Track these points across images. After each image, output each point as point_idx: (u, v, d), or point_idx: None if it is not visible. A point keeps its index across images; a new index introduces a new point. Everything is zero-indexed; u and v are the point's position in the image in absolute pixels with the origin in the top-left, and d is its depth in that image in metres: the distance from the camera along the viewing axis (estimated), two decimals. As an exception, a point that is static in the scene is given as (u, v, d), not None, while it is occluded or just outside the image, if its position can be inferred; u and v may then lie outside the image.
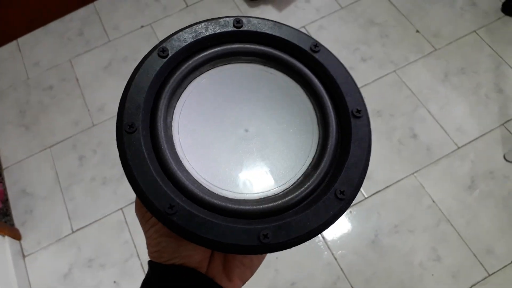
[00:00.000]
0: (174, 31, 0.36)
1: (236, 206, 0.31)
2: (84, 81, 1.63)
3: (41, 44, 1.74)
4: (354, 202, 1.33)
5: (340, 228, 1.31)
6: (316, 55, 0.36)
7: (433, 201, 1.33)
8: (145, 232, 0.35)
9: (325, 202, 0.31)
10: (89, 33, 1.74)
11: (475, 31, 1.63)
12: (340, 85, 0.35)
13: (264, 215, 0.31)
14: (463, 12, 1.68)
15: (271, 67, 0.37)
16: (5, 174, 1.48)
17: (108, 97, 1.58)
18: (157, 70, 0.33)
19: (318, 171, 0.33)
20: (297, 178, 0.33)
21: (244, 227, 0.29)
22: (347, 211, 1.33)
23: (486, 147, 1.41)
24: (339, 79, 0.35)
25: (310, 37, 0.37)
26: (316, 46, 0.37)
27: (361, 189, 1.32)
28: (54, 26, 1.77)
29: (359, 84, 1.56)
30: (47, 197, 1.42)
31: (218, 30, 0.35)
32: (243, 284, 0.36)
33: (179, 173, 0.31)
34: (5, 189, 1.46)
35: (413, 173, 1.38)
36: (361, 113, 0.34)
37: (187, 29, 0.35)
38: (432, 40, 1.62)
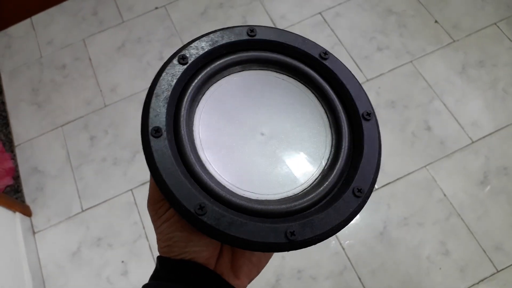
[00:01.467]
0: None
1: (262, 206, 0.32)
2: (97, 61, 1.63)
3: (55, 22, 1.73)
4: (364, 192, 1.32)
5: (348, 218, 1.30)
6: (326, 62, 0.38)
7: (444, 195, 1.32)
8: (157, 228, 0.35)
9: (345, 199, 0.32)
10: (103, 13, 1.73)
11: (495, 24, 1.59)
12: (350, 90, 0.37)
13: (288, 214, 0.33)
14: (484, 4, 1.64)
15: (284, 73, 0.39)
16: (17, 151, 1.50)
17: (121, 78, 1.57)
18: (178, 76, 0.35)
19: (335, 171, 0.34)
20: (314, 178, 0.35)
21: (271, 226, 0.31)
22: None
23: (501, 142, 1.39)
24: (348, 84, 0.37)
25: (319, 45, 0.39)
26: (326, 53, 0.38)
27: (372, 180, 1.31)
28: (69, 5, 1.77)
29: (374, 74, 1.54)
30: (58, 175, 1.44)
31: (233, 38, 0.37)
32: (250, 282, 0.37)
33: (204, 176, 0.32)
34: (16, 166, 1.47)
35: (425, 166, 1.36)
36: (371, 116, 0.36)
37: (204, 38, 0.37)
38: (451, 31, 1.59)
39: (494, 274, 1.22)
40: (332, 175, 0.34)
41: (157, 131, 0.32)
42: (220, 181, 0.33)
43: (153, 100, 0.33)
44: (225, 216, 0.30)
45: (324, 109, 0.38)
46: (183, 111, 0.34)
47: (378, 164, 0.35)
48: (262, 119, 0.37)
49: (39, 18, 1.75)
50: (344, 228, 0.33)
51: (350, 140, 0.36)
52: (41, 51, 1.67)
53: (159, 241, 0.35)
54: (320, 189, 0.34)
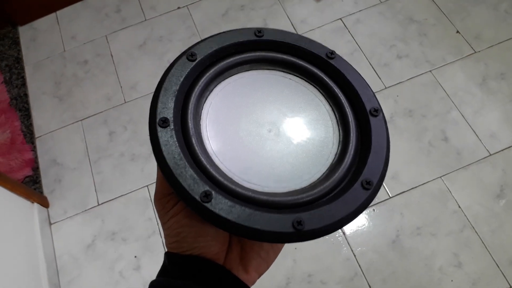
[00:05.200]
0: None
1: (268, 197, 0.32)
2: (118, 58, 1.66)
3: (79, 18, 1.77)
4: (377, 200, 1.32)
5: (361, 226, 1.31)
6: (332, 61, 0.38)
7: (459, 207, 1.31)
8: (165, 223, 0.35)
9: (353, 192, 0.32)
10: (126, 11, 1.76)
11: (518, 36, 1.58)
12: (357, 88, 0.37)
13: (295, 206, 0.32)
14: (507, 16, 1.62)
15: (291, 73, 0.40)
16: (38, 143, 1.53)
17: (141, 76, 1.60)
18: (187, 71, 0.35)
19: (343, 165, 0.34)
20: (322, 173, 0.35)
21: (278, 216, 0.30)
22: (370, 209, 1.33)
23: (519, 156, 1.37)
24: (355, 82, 0.38)
25: (325, 46, 0.39)
26: (332, 53, 0.39)
27: (386, 188, 1.31)
28: (93, 1, 1.80)
29: (392, 82, 1.54)
30: (76, 168, 1.46)
31: (241, 39, 0.38)
32: (259, 277, 0.37)
33: (209, 167, 0.32)
34: (36, 157, 1.50)
35: (440, 177, 1.36)
36: (378, 112, 0.36)
37: (212, 38, 0.38)
38: (472, 42, 1.58)
39: (506, 289, 1.21)
40: (340, 169, 0.34)
41: (164, 121, 0.32)
42: (226, 173, 0.33)
43: (162, 93, 0.34)
44: (230, 205, 0.30)
45: (331, 106, 0.38)
46: (191, 105, 0.35)
47: (387, 158, 0.35)
48: (269, 116, 0.37)
49: (64, 13, 1.79)
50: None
51: (358, 135, 0.36)
52: (65, 45, 1.71)
53: (167, 236, 0.35)
54: (327, 183, 0.33)
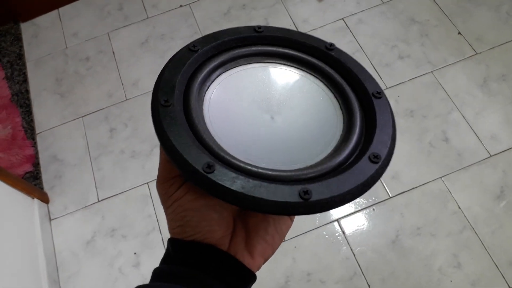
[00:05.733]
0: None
1: (273, 172, 0.31)
2: (120, 55, 1.66)
3: (81, 15, 1.77)
4: (377, 200, 1.32)
5: (361, 225, 1.31)
6: (332, 53, 0.40)
7: (459, 207, 1.31)
8: (168, 208, 0.35)
9: (361, 165, 0.32)
10: (128, 9, 1.76)
11: (520, 38, 1.58)
12: (358, 74, 0.38)
13: (302, 180, 0.31)
14: (509, 17, 1.63)
15: (292, 65, 0.40)
16: (38, 139, 1.53)
17: (142, 73, 1.60)
18: (189, 59, 0.36)
19: (350, 142, 0.34)
20: (328, 152, 0.35)
21: (284, 186, 0.29)
22: (370, 209, 1.33)
23: (519, 158, 1.37)
24: (356, 69, 0.39)
25: (324, 40, 0.40)
26: (331, 45, 0.40)
27: (386, 188, 1.31)
28: (95, -2, 1.80)
29: (394, 82, 1.54)
30: (76, 165, 1.46)
31: (241, 34, 0.39)
32: (265, 261, 0.36)
33: (211, 143, 0.32)
34: (37, 153, 1.50)
35: (441, 177, 1.36)
36: (381, 94, 0.37)
37: (213, 33, 0.39)
38: (474, 43, 1.58)
39: (505, 290, 1.21)
40: (347, 147, 0.34)
41: (166, 101, 0.33)
42: (229, 152, 0.33)
43: (164, 78, 0.35)
44: (234, 176, 0.29)
45: (334, 94, 0.39)
46: (194, 88, 0.35)
47: (394, 135, 0.35)
48: (272, 104, 0.37)
49: (66, 10, 1.79)
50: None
51: (362, 116, 0.37)
52: (67, 42, 1.71)
53: (170, 221, 0.34)
54: (334, 159, 0.33)
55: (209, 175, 0.29)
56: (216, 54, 0.39)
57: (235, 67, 0.39)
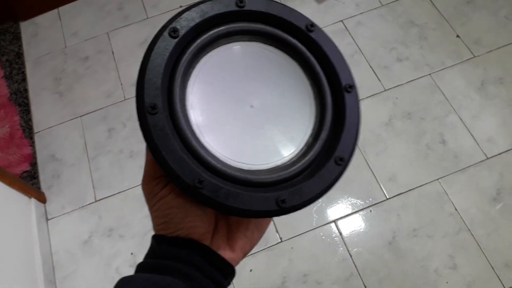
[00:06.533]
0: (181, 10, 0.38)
1: (254, 177, 0.34)
2: (119, 55, 1.66)
3: (81, 14, 1.77)
4: (374, 201, 1.33)
5: (358, 226, 1.31)
6: (312, 34, 0.39)
7: (456, 209, 1.32)
8: (152, 206, 0.36)
9: (328, 168, 0.35)
10: (128, 9, 1.76)
11: (517, 42, 1.59)
12: (334, 63, 0.38)
13: (277, 183, 0.35)
14: (507, 21, 1.63)
15: (272, 45, 0.40)
16: (36, 139, 1.53)
17: (141, 73, 1.60)
18: (170, 50, 0.35)
19: (319, 141, 0.37)
20: (300, 148, 0.37)
21: (263, 195, 0.33)
22: (367, 210, 1.33)
23: (516, 160, 1.38)
24: (333, 57, 0.39)
25: (305, 16, 0.39)
26: (312, 25, 0.39)
27: (383, 189, 1.32)
28: (95, -2, 1.80)
29: (392, 84, 1.54)
30: (74, 164, 1.46)
31: (222, 9, 0.37)
32: (244, 256, 0.39)
33: (201, 150, 0.34)
34: (34, 152, 1.50)
35: (438, 179, 1.36)
36: (352, 88, 0.38)
37: (194, 8, 0.37)
38: (472, 46, 1.59)
39: (501, 292, 1.21)
40: (316, 145, 0.36)
41: (153, 107, 0.33)
42: (214, 153, 0.35)
43: (147, 76, 0.34)
44: (222, 188, 0.32)
45: (309, 81, 0.39)
46: (176, 87, 0.35)
47: (357, 135, 0.37)
48: (251, 92, 0.38)
49: (66, 9, 1.79)
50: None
51: (333, 111, 0.38)
52: (66, 41, 1.71)
53: (154, 218, 0.36)
54: (305, 159, 0.36)
55: (201, 191, 0.32)
56: (196, 36, 0.37)
57: (215, 48, 0.39)
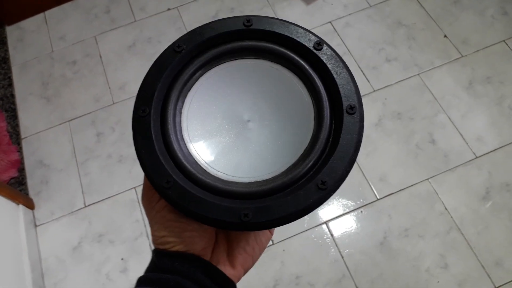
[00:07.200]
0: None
1: (224, 186, 0.34)
2: (107, 58, 1.65)
3: (68, 18, 1.75)
4: (365, 202, 1.33)
5: (349, 227, 1.31)
6: (319, 53, 0.38)
7: (446, 208, 1.32)
8: (151, 219, 0.36)
9: (306, 190, 0.33)
10: (116, 12, 1.75)
11: (504, 41, 1.60)
12: (338, 82, 0.37)
13: (248, 197, 0.34)
14: (494, 21, 1.65)
15: (277, 63, 0.40)
16: (24, 144, 1.51)
17: (130, 77, 1.59)
18: (171, 63, 0.37)
19: (306, 161, 0.35)
20: (286, 167, 0.36)
21: (228, 205, 0.33)
22: (358, 211, 1.33)
23: (504, 159, 1.39)
24: (338, 76, 0.38)
25: (313, 34, 0.39)
26: (319, 44, 0.39)
27: (374, 190, 1.32)
28: (82, 1, 1.79)
29: (381, 85, 1.55)
30: (63, 169, 1.45)
31: (230, 28, 0.39)
32: (245, 272, 0.38)
33: (178, 153, 0.35)
34: (22, 158, 1.48)
35: (428, 179, 1.37)
36: (354, 109, 0.36)
37: (202, 28, 0.39)
38: (459, 46, 1.60)
39: (492, 290, 1.22)
40: (303, 165, 0.35)
41: (143, 110, 0.35)
42: (198, 161, 0.36)
43: (146, 83, 0.36)
44: (188, 192, 0.33)
45: (312, 100, 0.38)
46: (173, 95, 0.37)
47: (352, 160, 0.35)
48: (249, 107, 0.38)
49: (52, 13, 1.77)
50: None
51: (329, 133, 0.36)
52: (53, 45, 1.69)
53: (154, 231, 0.36)
54: (286, 178, 0.35)
55: (167, 191, 0.33)
56: (201, 52, 0.39)
57: (221, 64, 0.40)
